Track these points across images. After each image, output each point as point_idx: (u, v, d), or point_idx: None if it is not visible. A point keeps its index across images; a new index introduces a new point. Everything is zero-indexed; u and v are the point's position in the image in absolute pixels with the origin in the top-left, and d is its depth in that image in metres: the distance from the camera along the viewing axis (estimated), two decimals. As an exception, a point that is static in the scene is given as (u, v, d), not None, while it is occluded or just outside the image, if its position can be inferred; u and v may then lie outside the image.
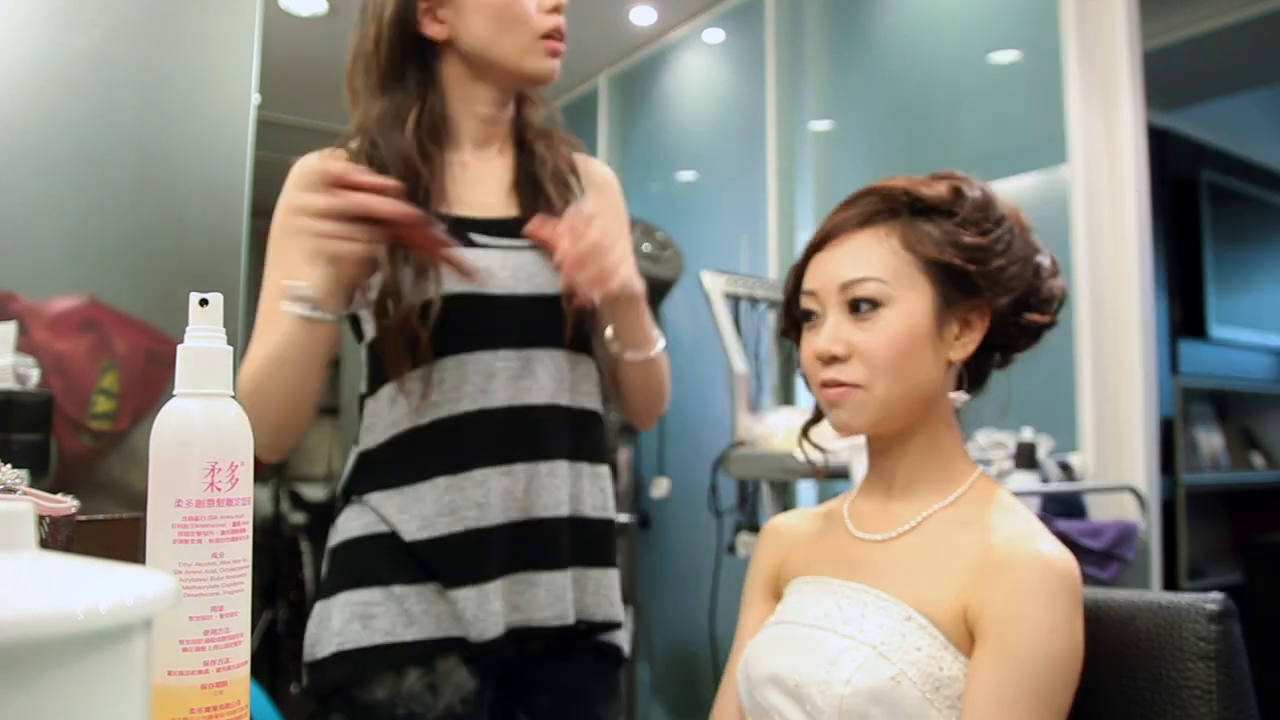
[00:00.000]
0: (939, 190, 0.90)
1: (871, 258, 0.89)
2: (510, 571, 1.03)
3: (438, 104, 1.08)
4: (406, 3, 1.04)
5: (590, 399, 1.11)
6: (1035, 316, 0.91)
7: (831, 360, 0.89)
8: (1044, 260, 0.92)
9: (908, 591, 0.84)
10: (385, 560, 1.03)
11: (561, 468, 1.06)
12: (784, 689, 0.85)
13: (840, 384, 0.88)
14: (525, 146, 1.14)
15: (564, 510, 1.06)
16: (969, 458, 0.94)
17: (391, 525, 1.03)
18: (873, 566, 0.89)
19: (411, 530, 1.03)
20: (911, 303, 0.87)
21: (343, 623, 1.01)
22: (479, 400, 1.03)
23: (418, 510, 1.03)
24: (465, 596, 1.01)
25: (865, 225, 0.90)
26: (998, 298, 0.88)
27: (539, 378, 1.04)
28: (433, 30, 1.05)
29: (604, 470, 1.13)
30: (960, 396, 0.92)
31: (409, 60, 1.06)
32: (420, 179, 1.03)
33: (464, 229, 1.05)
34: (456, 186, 1.08)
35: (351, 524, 1.07)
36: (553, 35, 1.07)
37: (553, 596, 1.04)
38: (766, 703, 0.87)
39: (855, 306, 0.88)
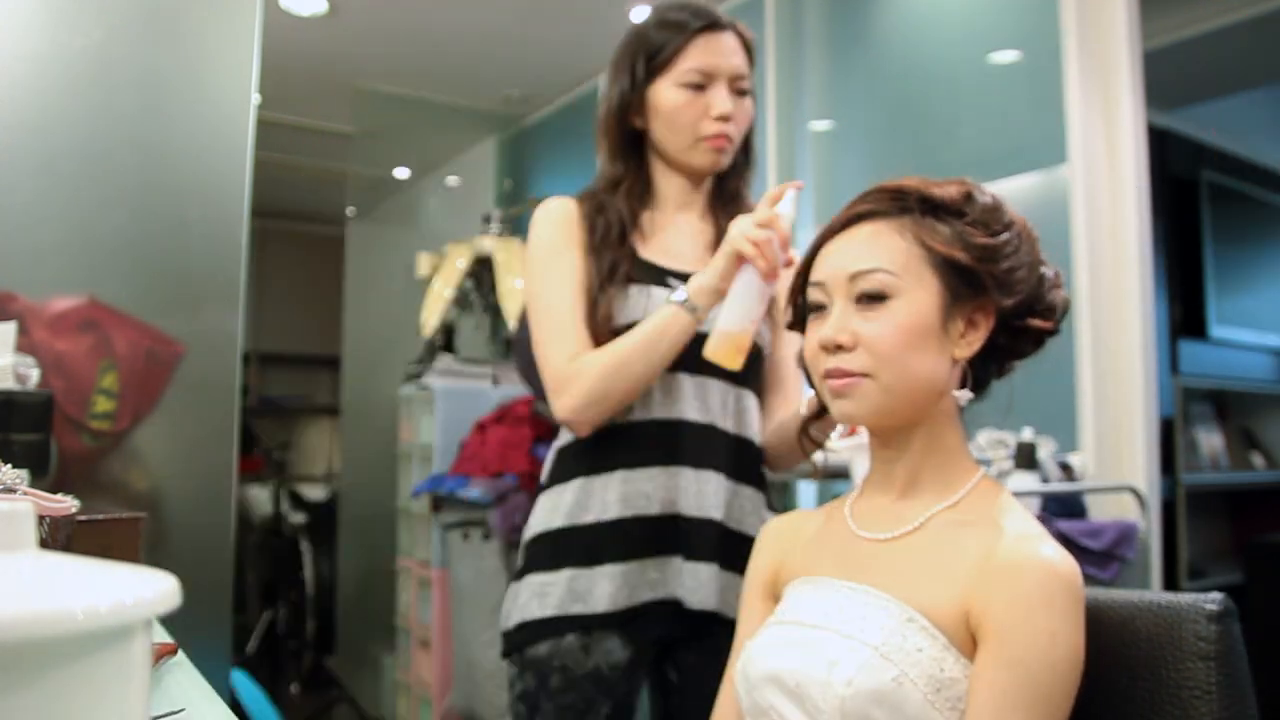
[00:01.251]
0: (950, 191, 0.91)
1: (881, 250, 0.89)
2: (657, 554, 1.25)
3: (643, 177, 1.36)
4: (623, 101, 1.33)
5: (749, 429, 1.30)
6: (1038, 322, 0.91)
7: (836, 349, 0.89)
8: (1048, 271, 0.93)
9: (909, 592, 0.84)
10: (568, 547, 1.27)
11: (713, 478, 1.25)
12: (784, 689, 0.85)
13: (844, 372, 0.89)
14: (722, 214, 1.35)
15: (715, 514, 1.25)
16: (972, 458, 0.94)
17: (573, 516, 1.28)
18: (874, 566, 0.89)
19: (591, 516, 1.27)
20: (919, 296, 0.88)
21: (525, 600, 1.28)
22: (654, 411, 1.26)
23: (601, 497, 1.26)
24: (613, 572, 1.24)
25: (876, 219, 0.91)
26: (1004, 298, 0.89)
27: (707, 402, 1.26)
28: (637, 123, 1.34)
29: (751, 492, 1.30)
30: (965, 395, 0.92)
31: (625, 141, 1.35)
32: (625, 231, 1.31)
33: (658, 273, 1.30)
34: (657, 238, 1.34)
35: (541, 516, 1.31)
36: (717, 137, 1.29)
37: (697, 583, 1.23)
38: (766, 703, 0.87)
39: (863, 297, 0.89)
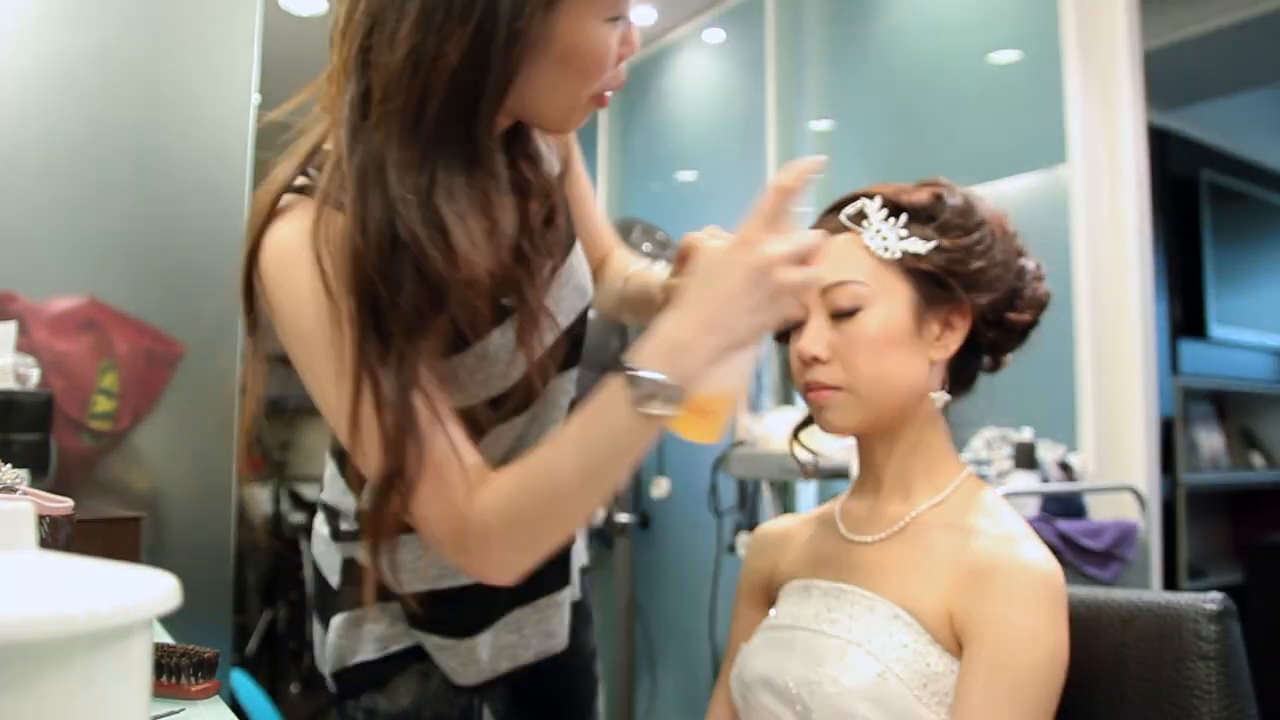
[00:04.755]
0: (919, 196, 0.92)
1: (851, 261, 0.90)
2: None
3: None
4: (481, 35, 0.73)
5: None
6: (1017, 316, 0.92)
7: (814, 361, 0.90)
8: (1028, 264, 0.94)
9: (895, 591, 0.86)
10: None
11: None
12: (774, 691, 0.86)
13: (822, 385, 0.90)
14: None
15: None
16: (957, 458, 0.95)
17: None
18: (862, 567, 0.90)
19: None
20: (891, 304, 0.89)
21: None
22: None
23: None
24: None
25: (846, 230, 0.92)
26: (977, 298, 0.90)
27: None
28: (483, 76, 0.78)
29: None
30: (942, 396, 0.93)
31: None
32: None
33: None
34: None
35: None
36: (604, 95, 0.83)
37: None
38: (759, 705, 0.88)
39: (836, 309, 0.90)
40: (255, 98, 1.90)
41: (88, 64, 1.74)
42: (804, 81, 2.97)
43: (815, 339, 0.90)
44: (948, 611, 0.83)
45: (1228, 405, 3.90)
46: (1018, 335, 0.94)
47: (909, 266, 0.89)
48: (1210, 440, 3.71)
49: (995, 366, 0.98)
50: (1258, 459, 3.91)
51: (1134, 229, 2.14)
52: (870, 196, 0.93)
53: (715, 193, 3.22)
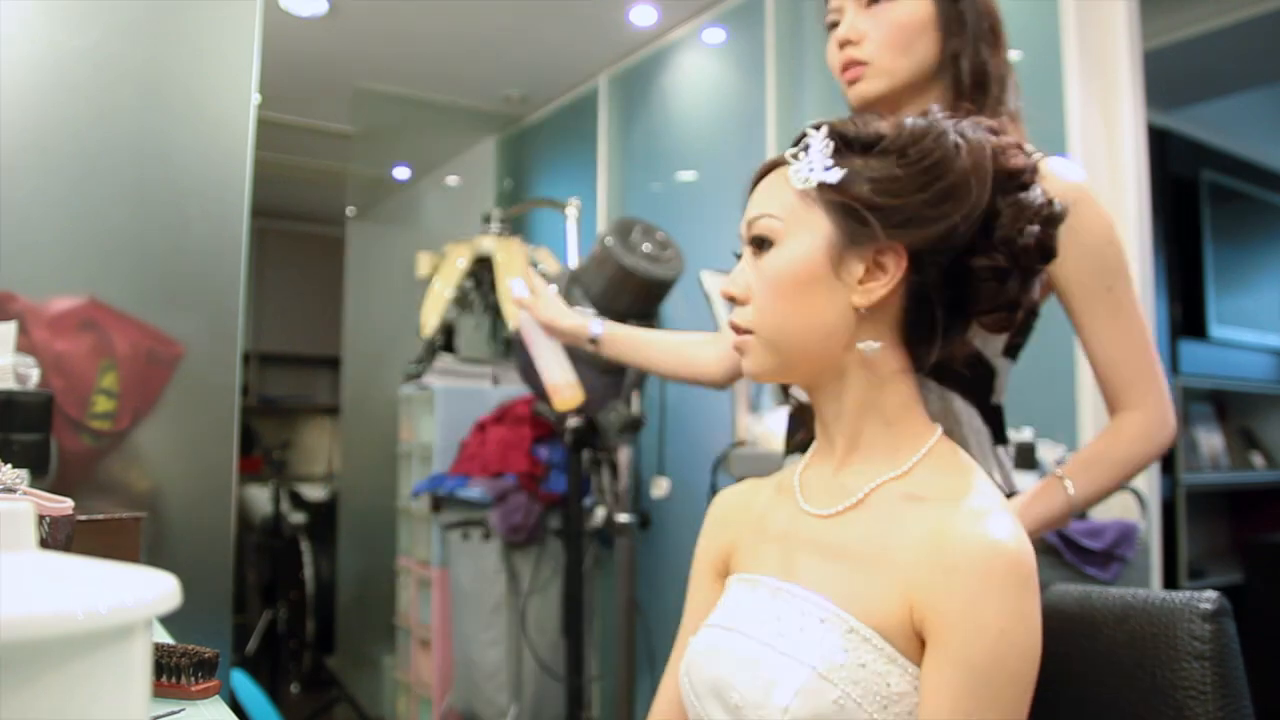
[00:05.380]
0: (875, 126, 0.82)
1: (775, 194, 0.84)
2: None
3: None
4: None
5: None
6: (983, 260, 0.80)
7: (732, 301, 0.86)
8: (1032, 199, 0.81)
9: (849, 593, 0.78)
10: None
11: None
12: (724, 706, 0.80)
13: (738, 329, 0.86)
14: None
15: None
16: (925, 420, 0.86)
17: None
18: (816, 551, 0.83)
19: None
20: (801, 241, 0.81)
21: None
22: None
23: None
24: None
25: (786, 165, 0.85)
26: (902, 236, 0.79)
27: None
28: None
29: None
30: (869, 345, 0.82)
31: None
32: None
33: None
34: None
35: None
36: (843, 69, 1.12)
37: None
38: (708, 715, 0.83)
39: (754, 246, 0.85)
40: (255, 98, 1.90)
41: (87, 64, 1.75)
42: (804, 81, 2.97)
43: (733, 277, 0.84)
44: (908, 607, 0.75)
45: (1228, 405, 3.90)
46: (995, 279, 0.80)
47: (828, 200, 0.80)
48: (1210, 440, 3.71)
49: (1013, 348, 0.88)
50: (1258, 459, 3.91)
51: (1134, 229, 2.14)
52: (821, 125, 0.84)
53: (715, 193, 3.22)
